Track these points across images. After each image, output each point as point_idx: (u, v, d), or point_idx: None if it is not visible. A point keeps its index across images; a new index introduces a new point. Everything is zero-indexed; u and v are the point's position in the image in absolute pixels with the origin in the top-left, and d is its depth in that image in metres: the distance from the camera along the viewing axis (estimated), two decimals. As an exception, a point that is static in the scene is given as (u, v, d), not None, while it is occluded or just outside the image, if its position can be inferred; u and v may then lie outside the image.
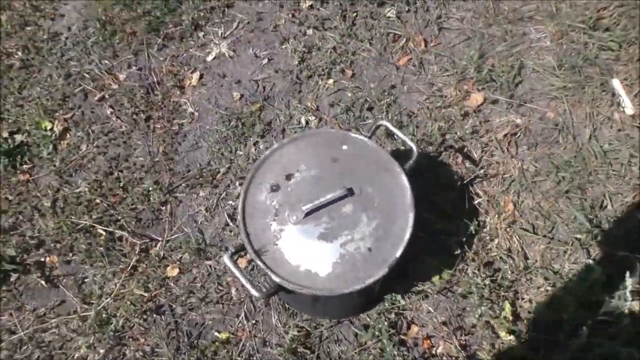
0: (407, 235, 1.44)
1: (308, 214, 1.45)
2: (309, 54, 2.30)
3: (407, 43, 2.27)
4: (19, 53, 2.47)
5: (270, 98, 2.26)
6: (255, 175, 1.56)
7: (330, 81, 2.23)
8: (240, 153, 2.13)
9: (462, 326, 1.77)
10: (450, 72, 2.18)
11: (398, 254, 1.42)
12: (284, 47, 2.35)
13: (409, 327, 1.78)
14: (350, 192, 1.48)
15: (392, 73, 2.23)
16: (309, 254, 1.44)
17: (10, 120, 2.28)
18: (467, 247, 1.83)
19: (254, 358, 1.77)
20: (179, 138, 2.22)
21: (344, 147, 1.59)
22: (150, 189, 2.07)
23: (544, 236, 1.86)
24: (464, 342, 1.74)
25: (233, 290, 1.88)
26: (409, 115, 2.13)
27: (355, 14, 2.37)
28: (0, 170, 2.14)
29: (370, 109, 2.15)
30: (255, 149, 2.12)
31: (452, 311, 1.78)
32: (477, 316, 1.73)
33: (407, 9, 2.35)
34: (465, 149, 2.03)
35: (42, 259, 1.99)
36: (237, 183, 2.07)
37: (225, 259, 1.42)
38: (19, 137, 2.23)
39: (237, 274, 1.41)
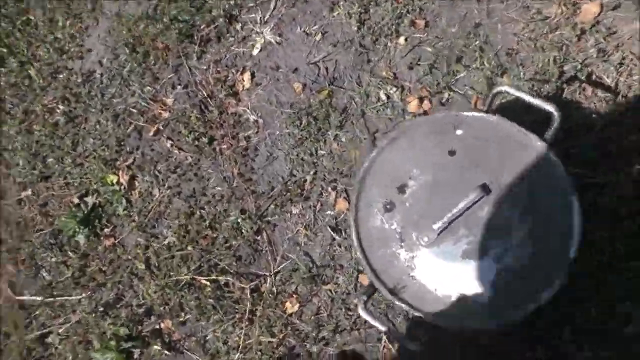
0: (577, 223, 1.14)
1: (441, 231, 1.19)
2: (367, 13, 1.95)
3: (480, -37, 1.86)
4: (60, 106, 2.33)
5: (337, 79, 1.95)
6: (360, 197, 1.31)
7: (401, 39, 1.88)
8: (323, 152, 1.88)
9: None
10: (546, -17, 1.76)
11: (572, 252, 1.13)
12: (335, 14, 2.00)
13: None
14: (485, 189, 1.19)
15: (474, 8, 1.83)
16: (458, 279, 1.19)
17: (75, 184, 2.17)
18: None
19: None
20: (250, 154, 1.99)
21: (459, 131, 1.29)
22: (239, 220, 1.88)
23: None
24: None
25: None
26: (508, 54, 1.75)
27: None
28: (84, 243, 2.04)
29: (459, 59, 1.79)
30: (338, 144, 1.86)
31: None
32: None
33: None
34: (594, 76, 1.64)
35: (157, 327, 1.90)
36: (329, 189, 1.83)
37: (362, 313, 1.20)
38: (90, 200, 2.11)
39: (381, 327, 1.18)
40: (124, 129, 2.19)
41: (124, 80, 2.27)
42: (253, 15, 2.14)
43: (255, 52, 2.11)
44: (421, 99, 1.82)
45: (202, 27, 2.20)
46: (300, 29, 2.05)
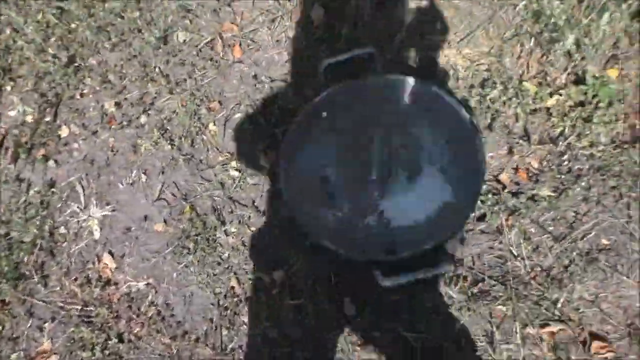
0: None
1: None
2: (166, 132, 2.05)
3: None
4: None
5: (188, 194, 1.97)
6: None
7: (211, 126, 2.01)
8: (226, 252, 1.84)
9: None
10: None
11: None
12: (142, 150, 2.05)
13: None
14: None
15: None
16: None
17: None
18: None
19: None
20: (166, 315, 1.84)
21: (323, 114, 1.44)
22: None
23: None
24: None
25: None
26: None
27: None
28: None
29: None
30: (232, 235, 1.85)
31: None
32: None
33: None
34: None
35: None
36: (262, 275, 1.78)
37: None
38: None
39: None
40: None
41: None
42: (69, 210, 2.05)
43: (97, 235, 2.00)
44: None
45: (26, 260, 2.01)
46: (123, 185, 2.05)
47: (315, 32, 2.05)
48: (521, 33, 1.91)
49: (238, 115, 2.04)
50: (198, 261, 1.88)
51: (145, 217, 2.00)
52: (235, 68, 2.10)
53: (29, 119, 2.21)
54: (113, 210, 2.03)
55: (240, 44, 2.12)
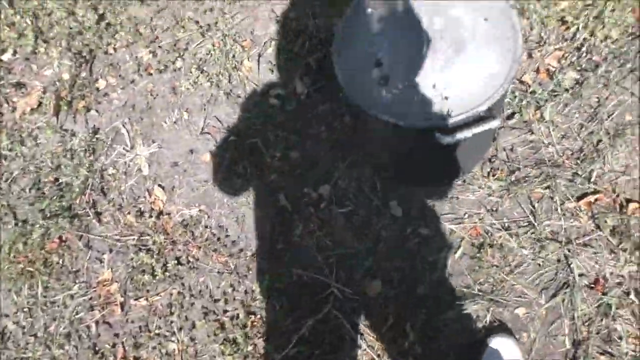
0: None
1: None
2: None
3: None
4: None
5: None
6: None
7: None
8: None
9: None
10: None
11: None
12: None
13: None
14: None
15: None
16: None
17: None
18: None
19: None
20: (221, 236, 1.96)
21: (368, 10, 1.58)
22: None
23: None
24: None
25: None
26: None
27: None
28: None
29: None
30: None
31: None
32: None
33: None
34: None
35: None
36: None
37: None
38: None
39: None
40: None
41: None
42: (115, 152, 2.16)
43: (145, 171, 2.12)
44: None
45: (78, 201, 2.11)
46: (167, 123, 2.18)
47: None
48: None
49: (270, 50, 2.19)
50: (247, 184, 2.03)
51: (192, 151, 2.13)
52: (262, 8, 2.26)
53: (65, 76, 2.34)
54: (159, 148, 2.16)
55: (277, -12, 2.28)
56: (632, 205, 1.71)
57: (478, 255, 1.77)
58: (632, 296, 1.62)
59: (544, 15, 1.98)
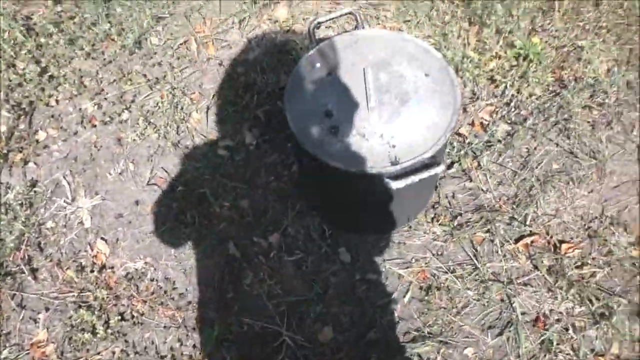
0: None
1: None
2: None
3: None
4: None
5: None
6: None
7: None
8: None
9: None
10: None
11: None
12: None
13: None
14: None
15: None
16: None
17: None
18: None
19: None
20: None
21: (317, 65, 1.68)
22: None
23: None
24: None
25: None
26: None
27: None
28: None
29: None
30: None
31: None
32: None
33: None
34: None
35: None
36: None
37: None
38: None
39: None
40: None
41: None
42: (55, 205, 2.09)
43: (87, 224, 2.06)
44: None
45: (12, 257, 1.99)
46: (111, 174, 2.14)
47: (283, 27, 2.35)
48: (457, 16, 2.31)
49: (219, 103, 2.24)
50: (196, 234, 2.01)
51: (137, 202, 2.11)
52: (211, 63, 2.33)
53: (2, 128, 2.27)
54: (103, 199, 2.12)
55: (213, 43, 2.36)
56: (564, 246, 1.85)
57: (426, 298, 1.84)
58: (570, 332, 1.73)
59: (475, 74, 2.18)
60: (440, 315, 1.80)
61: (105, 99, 2.32)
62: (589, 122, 2.11)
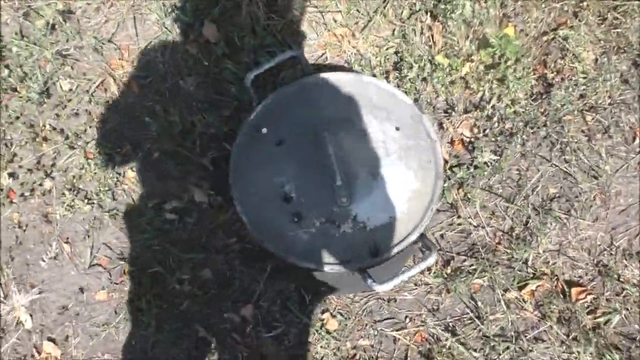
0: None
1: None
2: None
3: None
4: None
5: (123, 251, 1.84)
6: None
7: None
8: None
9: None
10: None
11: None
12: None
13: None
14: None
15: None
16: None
17: None
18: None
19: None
20: None
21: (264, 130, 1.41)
22: None
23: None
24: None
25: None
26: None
27: None
28: None
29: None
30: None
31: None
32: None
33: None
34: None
35: None
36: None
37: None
38: None
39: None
40: None
41: None
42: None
43: (28, 324, 1.83)
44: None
45: None
46: (45, 261, 1.88)
47: (216, 49, 2.01)
48: (416, 10, 2.01)
49: (156, 155, 1.95)
50: (156, 321, 1.79)
51: (82, 289, 1.88)
52: (138, 105, 2.00)
53: None
54: (41, 292, 1.87)
55: (136, 79, 2.02)
56: (574, 290, 1.71)
57: (428, 365, 1.70)
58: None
59: (448, 82, 1.92)
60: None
61: (20, 166, 1.99)
62: (583, 131, 1.91)
